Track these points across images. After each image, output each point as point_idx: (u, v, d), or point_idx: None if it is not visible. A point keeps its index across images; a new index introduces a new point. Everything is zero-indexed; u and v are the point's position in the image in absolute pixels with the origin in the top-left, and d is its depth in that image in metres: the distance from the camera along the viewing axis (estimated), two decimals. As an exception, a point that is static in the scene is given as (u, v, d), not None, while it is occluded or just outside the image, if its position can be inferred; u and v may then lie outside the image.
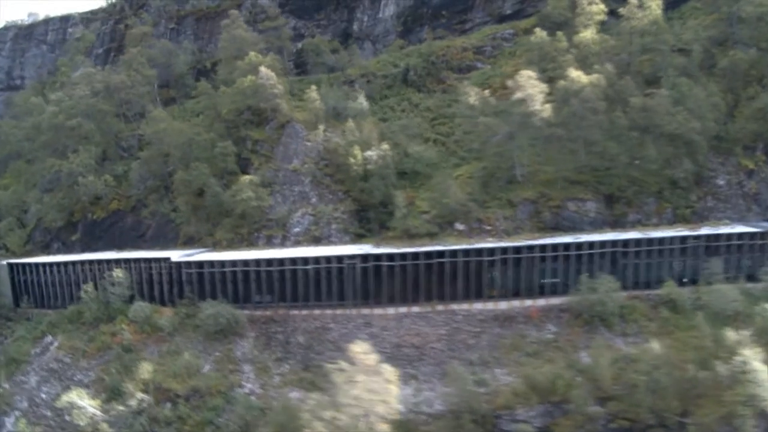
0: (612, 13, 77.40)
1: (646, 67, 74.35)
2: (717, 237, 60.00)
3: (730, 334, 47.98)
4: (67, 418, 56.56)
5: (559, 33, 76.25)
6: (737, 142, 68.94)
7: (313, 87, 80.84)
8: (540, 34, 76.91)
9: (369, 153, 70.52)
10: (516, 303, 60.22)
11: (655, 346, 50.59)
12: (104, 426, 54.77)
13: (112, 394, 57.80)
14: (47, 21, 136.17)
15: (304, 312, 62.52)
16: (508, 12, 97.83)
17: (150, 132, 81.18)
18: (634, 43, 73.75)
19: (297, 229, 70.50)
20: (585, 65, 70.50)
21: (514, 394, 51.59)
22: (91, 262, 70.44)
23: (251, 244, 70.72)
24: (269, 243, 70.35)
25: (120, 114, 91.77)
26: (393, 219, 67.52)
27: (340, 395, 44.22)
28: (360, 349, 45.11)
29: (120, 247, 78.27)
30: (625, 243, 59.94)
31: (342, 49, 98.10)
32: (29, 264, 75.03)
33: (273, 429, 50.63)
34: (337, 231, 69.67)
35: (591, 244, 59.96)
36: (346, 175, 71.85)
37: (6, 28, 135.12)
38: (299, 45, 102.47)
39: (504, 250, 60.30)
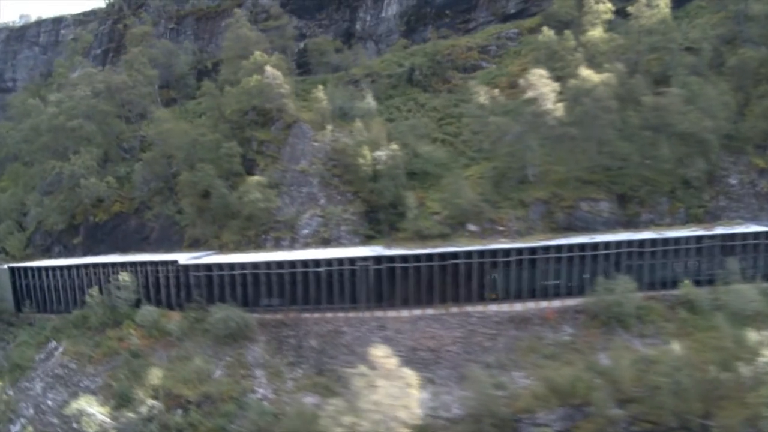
0: (618, 12, 76.97)
1: (655, 66, 74.01)
2: (733, 236, 59.64)
3: (752, 335, 47.56)
4: (75, 425, 54.94)
5: (567, 32, 75.72)
6: (748, 141, 68.81)
7: (320, 87, 79.78)
8: (548, 33, 76.34)
9: (378, 153, 69.64)
10: (531, 304, 59.48)
11: (676, 347, 49.88)
12: (114, 433, 53.55)
13: (121, 400, 56.29)
14: (39, 23, 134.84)
15: (316, 315, 61.43)
16: (512, 11, 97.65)
17: (153, 133, 79.95)
18: (642, 42, 73.25)
19: (306, 231, 69.46)
20: (593, 64, 69.89)
21: (534, 397, 50.68)
22: (95, 265, 68.90)
23: (258, 247, 69.57)
24: (277, 245, 69.23)
25: (121, 115, 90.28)
26: (404, 220, 66.66)
27: (360, 400, 43.33)
28: (380, 353, 44.37)
29: (123, 251, 76.75)
30: (641, 243, 59.36)
31: (346, 49, 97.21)
32: (31, 268, 73.29)
33: (288, 435, 49.72)
34: (347, 232, 68.68)
35: (607, 245, 59.31)
36: (355, 176, 70.84)
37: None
38: (301, 45, 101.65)
39: (519, 251, 59.49)
